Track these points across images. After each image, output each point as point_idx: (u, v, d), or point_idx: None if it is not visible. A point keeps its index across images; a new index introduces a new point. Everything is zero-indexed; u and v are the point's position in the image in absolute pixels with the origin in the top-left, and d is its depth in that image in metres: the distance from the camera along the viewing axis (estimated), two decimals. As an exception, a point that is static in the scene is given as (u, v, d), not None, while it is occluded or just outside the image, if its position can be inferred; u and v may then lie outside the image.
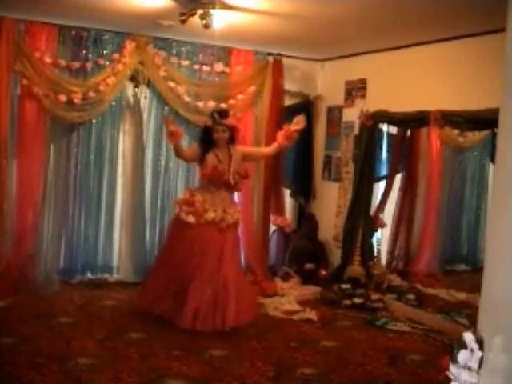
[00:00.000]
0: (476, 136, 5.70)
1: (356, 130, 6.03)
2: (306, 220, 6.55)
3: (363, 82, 6.07)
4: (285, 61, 6.26)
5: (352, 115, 6.12)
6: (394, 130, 5.83)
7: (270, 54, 6.17)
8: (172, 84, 5.78)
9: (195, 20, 4.31)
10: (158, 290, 4.63)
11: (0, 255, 5.24)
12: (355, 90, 6.17)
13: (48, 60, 5.32)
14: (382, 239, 6.03)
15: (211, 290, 4.46)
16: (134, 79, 5.75)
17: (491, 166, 5.50)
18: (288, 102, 6.43)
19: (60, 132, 5.56)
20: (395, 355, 4.31)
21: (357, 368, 4.04)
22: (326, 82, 6.66)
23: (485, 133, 5.41)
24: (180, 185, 6.07)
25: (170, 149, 5.23)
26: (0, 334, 4.13)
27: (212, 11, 4.21)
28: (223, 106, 5.81)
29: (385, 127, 5.85)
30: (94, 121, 5.66)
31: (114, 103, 5.71)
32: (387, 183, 5.87)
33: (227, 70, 6.06)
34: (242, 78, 6.09)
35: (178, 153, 4.76)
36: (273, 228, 6.48)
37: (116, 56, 5.57)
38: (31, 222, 5.40)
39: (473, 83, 4.77)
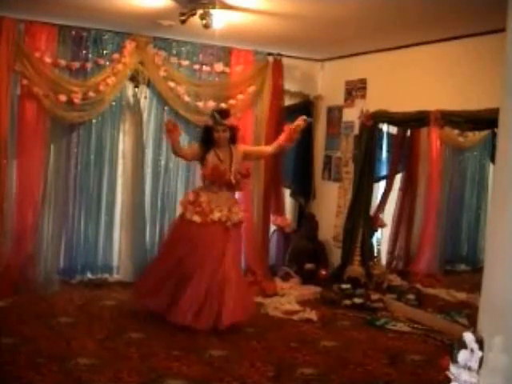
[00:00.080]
0: (476, 136, 5.70)
1: (356, 130, 6.03)
2: (306, 220, 6.55)
3: (363, 82, 6.07)
4: (285, 61, 6.26)
5: (352, 115, 6.12)
6: (394, 130, 5.83)
7: (270, 54, 6.17)
8: (172, 84, 5.78)
9: (195, 20, 4.31)
10: (155, 285, 4.64)
11: (0, 255, 5.24)
12: (355, 90, 6.17)
13: (48, 60, 5.33)
14: (382, 239, 6.03)
15: (209, 288, 4.47)
16: (134, 79, 5.75)
17: (491, 165, 5.49)
18: (288, 101, 6.43)
19: (60, 132, 5.56)
20: (395, 355, 4.31)
21: (357, 368, 4.04)
22: (326, 82, 6.66)
23: (485, 133, 5.40)
24: (180, 185, 6.08)
25: (170, 149, 5.22)
26: (0, 333, 4.12)
27: (212, 11, 4.22)
28: (223, 105, 5.81)
29: (385, 127, 5.85)
30: (94, 121, 5.66)
31: (114, 103, 5.71)
32: (387, 183, 5.87)
33: (227, 70, 6.06)
34: (242, 78, 6.09)
35: (177, 151, 4.76)
36: (273, 228, 6.48)
37: (116, 56, 5.57)
38: (31, 222, 5.40)
39: (473, 83, 4.77)
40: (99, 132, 5.70)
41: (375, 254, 5.93)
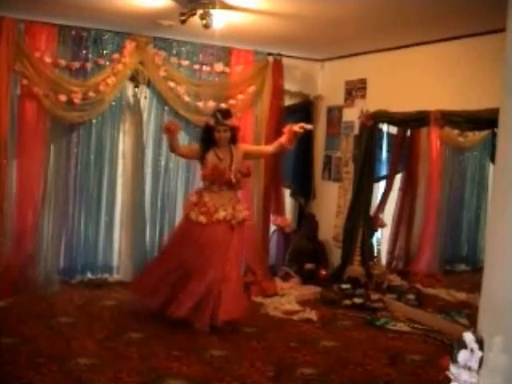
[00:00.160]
0: (476, 136, 5.70)
1: (356, 130, 6.03)
2: (306, 220, 6.55)
3: (363, 81, 6.07)
4: (285, 61, 6.26)
5: (352, 115, 6.12)
6: (394, 130, 5.83)
7: (270, 54, 6.17)
8: (172, 84, 5.78)
9: (195, 20, 4.31)
10: (155, 285, 4.65)
11: (0, 255, 5.24)
12: (355, 89, 6.17)
13: (48, 60, 5.32)
14: (382, 239, 6.03)
15: (210, 286, 4.47)
16: (134, 79, 5.75)
17: (491, 165, 5.49)
18: (288, 102, 6.43)
19: (60, 132, 5.56)
20: (395, 355, 4.31)
21: (357, 368, 4.04)
22: (326, 81, 6.66)
23: (485, 133, 5.40)
24: (180, 185, 6.08)
25: (168, 146, 5.20)
26: (0, 333, 4.13)
27: (212, 11, 4.21)
28: (224, 105, 5.80)
29: (385, 127, 5.85)
30: (94, 121, 5.65)
31: (114, 103, 5.71)
32: (387, 183, 5.87)
33: (227, 70, 6.06)
34: (242, 78, 6.09)
35: (174, 148, 4.77)
36: (273, 228, 6.48)
37: (116, 56, 5.57)
38: (31, 222, 5.40)
39: (473, 83, 4.77)
40: (99, 132, 5.70)
41: (375, 254, 5.92)
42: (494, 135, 4.55)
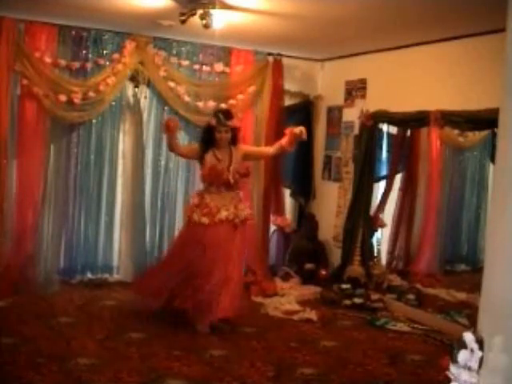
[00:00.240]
0: (476, 136, 5.70)
1: (356, 130, 6.03)
2: (306, 220, 6.55)
3: (363, 81, 6.07)
4: (285, 61, 6.26)
5: (352, 115, 6.13)
6: (394, 130, 5.83)
7: (270, 54, 6.17)
8: (172, 84, 5.78)
9: (195, 20, 4.31)
10: (159, 287, 4.65)
11: (0, 255, 5.24)
12: (355, 89, 6.17)
13: (48, 60, 5.33)
14: (382, 239, 6.02)
15: (212, 286, 4.48)
16: (134, 79, 5.75)
17: (491, 165, 5.49)
18: (288, 102, 6.43)
19: (60, 132, 5.56)
20: (395, 355, 4.31)
21: (357, 368, 4.04)
22: (326, 82, 6.66)
23: (485, 133, 5.40)
24: (180, 185, 6.08)
25: (167, 145, 5.19)
26: (0, 333, 4.13)
27: (212, 11, 4.21)
28: (225, 106, 5.80)
29: (385, 127, 5.85)
30: (94, 121, 5.66)
31: (114, 103, 5.71)
32: (387, 183, 5.87)
33: (227, 69, 6.06)
34: (242, 78, 6.09)
35: (173, 148, 4.76)
36: (273, 228, 6.48)
37: (116, 56, 5.57)
38: (31, 222, 5.40)
39: (473, 83, 4.77)
40: (99, 132, 5.70)
41: (375, 254, 5.93)
42: (494, 135, 4.55)
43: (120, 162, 5.85)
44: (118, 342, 4.24)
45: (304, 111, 6.58)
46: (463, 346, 2.28)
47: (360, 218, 5.78)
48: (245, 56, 6.11)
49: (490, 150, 5.44)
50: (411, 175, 5.86)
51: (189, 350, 4.14)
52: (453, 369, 2.30)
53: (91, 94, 5.47)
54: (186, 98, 5.84)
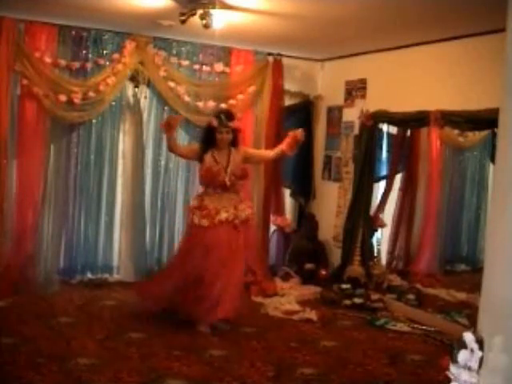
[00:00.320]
0: (476, 136, 5.70)
1: (356, 130, 6.03)
2: (306, 220, 6.55)
3: (363, 81, 6.07)
4: (285, 61, 6.26)
5: (352, 115, 6.12)
6: (394, 130, 5.83)
7: (270, 54, 6.17)
8: (172, 84, 5.78)
9: (195, 20, 4.31)
10: (162, 292, 4.64)
11: (0, 255, 5.24)
12: (355, 89, 6.17)
13: (48, 60, 5.32)
14: (382, 239, 6.02)
15: (214, 288, 4.48)
16: (134, 79, 5.75)
17: (491, 165, 5.49)
18: (288, 102, 6.43)
19: (60, 132, 5.56)
20: (395, 355, 4.31)
21: (357, 368, 4.04)
22: (326, 82, 6.66)
23: (485, 133, 5.40)
24: (180, 185, 6.08)
25: (166, 145, 5.18)
26: (0, 333, 4.13)
27: (212, 11, 4.21)
28: (225, 106, 5.80)
29: (385, 127, 5.85)
30: (94, 121, 5.65)
31: (114, 103, 5.71)
32: (387, 183, 5.87)
33: (227, 69, 6.06)
34: (242, 78, 6.09)
35: (173, 148, 4.73)
36: (273, 228, 6.48)
37: (116, 56, 5.57)
38: (31, 222, 5.40)
39: (473, 83, 4.77)
40: (99, 132, 5.70)
41: (375, 254, 5.93)
42: (494, 135, 4.55)
43: (120, 161, 5.85)
44: (118, 341, 4.24)
45: (304, 111, 6.58)
46: (463, 345, 2.28)
47: (360, 218, 5.78)
48: (245, 56, 6.11)
49: (490, 150, 5.44)
50: (411, 175, 5.86)
51: (189, 350, 4.14)
52: (453, 369, 2.30)
53: (91, 94, 5.47)
54: (186, 98, 5.84)
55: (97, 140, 5.70)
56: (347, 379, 3.87)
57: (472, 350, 2.26)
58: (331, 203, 6.39)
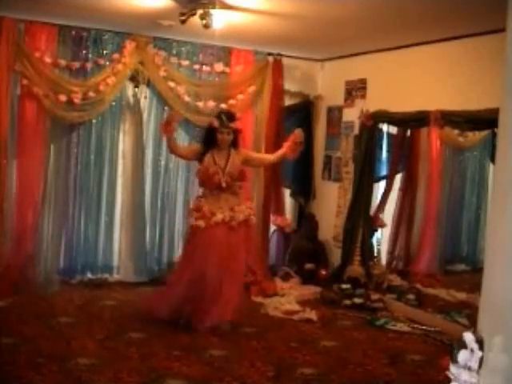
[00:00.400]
0: (476, 136, 5.70)
1: (356, 130, 6.03)
2: (306, 220, 6.55)
3: (363, 81, 6.07)
4: (285, 61, 6.26)
5: (352, 115, 6.13)
6: (394, 130, 5.83)
7: (270, 54, 6.17)
8: (172, 84, 5.78)
9: (195, 20, 4.31)
10: (169, 308, 4.58)
11: (0, 255, 5.24)
12: (355, 89, 6.17)
13: (48, 60, 5.33)
14: (382, 239, 6.02)
15: (212, 289, 4.47)
16: (134, 79, 5.76)
17: (491, 165, 5.49)
18: (288, 102, 6.43)
19: (60, 132, 5.56)
20: (395, 355, 4.31)
21: (357, 368, 4.04)
22: (326, 82, 6.66)
23: (485, 133, 5.40)
24: (180, 185, 6.08)
25: (166, 147, 5.17)
26: (0, 333, 4.13)
27: (212, 11, 4.22)
28: (225, 106, 5.80)
29: (385, 127, 5.85)
30: (94, 121, 5.65)
31: (114, 103, 5.71)
32: (387, 183, 5.87)
33: (227, 70, 6.06)
34: (242, 78, 6.09)
35: (173, 149, 4.72)
36: (273, 228, 6.48)
37: (116, 56, 5.57)
38: (31, 222, 5.40)
39: (473, 83, 4.77)
40: (99, 132, 5.70)
41: (375, 254, 5.93)
42: (494, 135, 4.55)
43: (120, 161, 5.85)
44: (118, 341, 4.23)
45: (304, 111, 6.58)
46: (463, 345, 2.28)
47: (360, 218, 5.78)
48: (245, 56, 6.11)
49: (490, 150, 5.44)
50: (411, 175, 5.86)
51: (189, 350, 4.14)
52: (453, 369, 2.30)
53: (91, 94, 5.47)
54: (186, 98, 5.84)
55: (97, 140, 5.70)
56: (347, 379, 3.87)
57: (472, 350, 2.26)
58: (331, 203, 6.39)
